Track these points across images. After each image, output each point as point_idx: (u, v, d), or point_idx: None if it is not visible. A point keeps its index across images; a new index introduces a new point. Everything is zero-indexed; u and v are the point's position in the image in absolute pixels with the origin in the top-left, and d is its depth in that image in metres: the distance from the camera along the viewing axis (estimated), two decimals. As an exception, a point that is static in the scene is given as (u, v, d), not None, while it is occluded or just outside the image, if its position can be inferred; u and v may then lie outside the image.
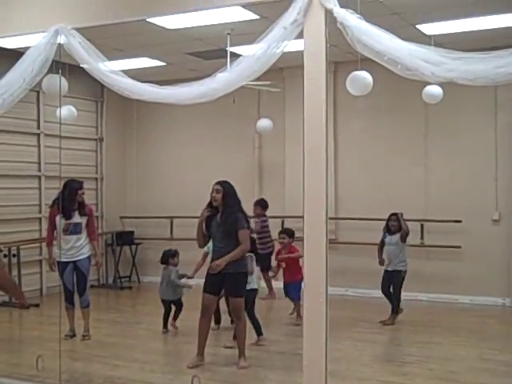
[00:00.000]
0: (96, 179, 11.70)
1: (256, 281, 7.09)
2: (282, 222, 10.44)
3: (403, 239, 8.24)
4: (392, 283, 8.19)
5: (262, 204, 9.87)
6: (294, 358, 6.07)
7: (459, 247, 9.44)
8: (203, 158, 11.43)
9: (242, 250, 6.17)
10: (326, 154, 4.34)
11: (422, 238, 9.75)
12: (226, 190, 6.23)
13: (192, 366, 6.13)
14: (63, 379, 5.68)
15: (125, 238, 11.64)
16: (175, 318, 7.86)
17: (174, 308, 7.86)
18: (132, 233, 11.81)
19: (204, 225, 6.35)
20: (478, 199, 9.48)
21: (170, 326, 7.76)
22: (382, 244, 8.41)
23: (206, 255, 7.26)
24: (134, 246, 11.77)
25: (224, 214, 6.19)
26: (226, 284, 6.20)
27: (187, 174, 11.41)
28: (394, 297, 8.17)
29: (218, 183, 6.28)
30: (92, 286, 10.94)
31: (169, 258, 7.94)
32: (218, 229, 6.21)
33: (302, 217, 4.43)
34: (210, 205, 6.31)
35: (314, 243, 4.41)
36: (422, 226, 9.72)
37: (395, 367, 6.29)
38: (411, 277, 9.26)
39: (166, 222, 11.36)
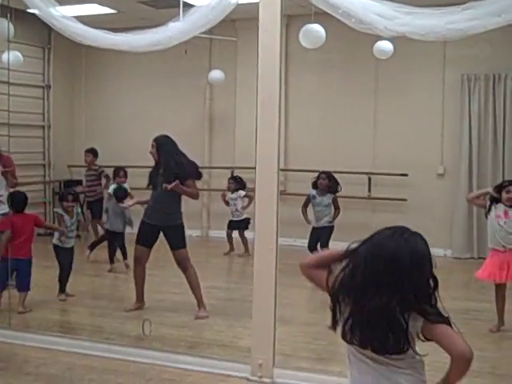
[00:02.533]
0: (43, 127, 11.51)
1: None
2: (232, 173, 10.50)
3: (336, 206, 8.21)
4: (320, 239, 8.11)
5: (93, 152, 9.94)
6: (243, 305, 6.21)
7: (405, 200, 9.68)
8: (153, 108, 11.32)
9: (192, 193, 6.30)
10: (279, 105, 4.40)
11: (369, 190, 9.95)
12: (160, 144, 6.34)
13: (129, 310, 6.31)
14: (16, 324, 5.71)
15: (73, 187, 11.49)
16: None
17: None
18: (80, 182, 11.69)
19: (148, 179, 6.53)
20: (424, 154, 9.70)
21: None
22: (307, 202, 8.30)
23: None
24: (82, 195, 11.66)
25: (163, 166, 6.26)
26: (168, 238, 6.28)
27: (137, 123, 11.30)
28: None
29: (154, 139, 6.40)
30: (39, 235, 10.84)
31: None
32: (159, 180, 6.28)
33: (254, 168, 4.49)
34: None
35: (265, 194, 4.50)
36: (369, 178, 9.91)
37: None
38: (358, 228, 9.45)
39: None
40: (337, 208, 8.23)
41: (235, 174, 9.86)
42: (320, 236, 8.14)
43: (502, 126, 9.27)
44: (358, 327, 2.18)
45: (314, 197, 8.22)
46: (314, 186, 8.25)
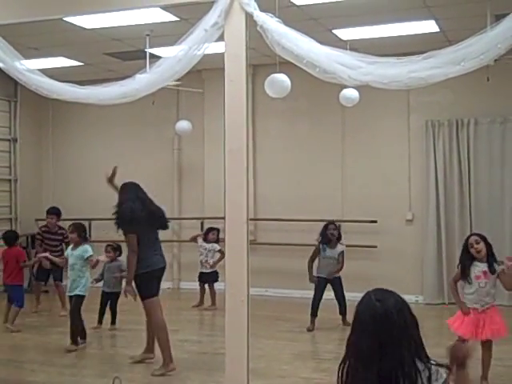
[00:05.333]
0: (10, 181, 11.40)
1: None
2: (202, 224, 10.46)
3: (341, 261, 8.22)
4: (335, 289, 8.13)
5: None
6: (215, 358, 6.12)
7: (375, 247, 9.70)
8: (122, 160, 11.23)
9: (130, 259, 6.06)
10: (247, 155, 4.40)
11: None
12: (120, 192, 6.50)
13: (136, 361, 6.29)
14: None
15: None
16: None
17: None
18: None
19: None
20: (393, 200, 9.77)
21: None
22: (314, 257, 8.12)
23: None
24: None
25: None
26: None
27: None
28: (342, 300, 8.08)
29: None
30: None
31: None
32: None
33: (223, 218, 4.47)
34: None
35: (235, 243, 4.46)
36: (339, 226, 9.90)
37: (315, 364, 6.41)
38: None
39: (84, 224, 11.13)
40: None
41: (214, 226, 9.61)
42: (335, 287, 8.19)
43: (466, 170, 9.40)
44: None
45: (324, 248, 8.10)
46: (327, 239, 8.12)
